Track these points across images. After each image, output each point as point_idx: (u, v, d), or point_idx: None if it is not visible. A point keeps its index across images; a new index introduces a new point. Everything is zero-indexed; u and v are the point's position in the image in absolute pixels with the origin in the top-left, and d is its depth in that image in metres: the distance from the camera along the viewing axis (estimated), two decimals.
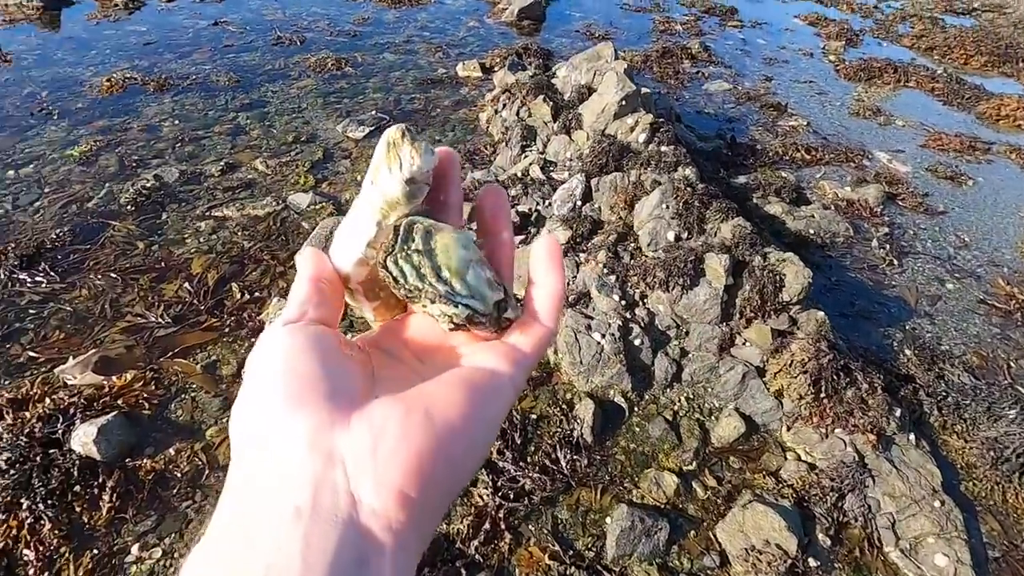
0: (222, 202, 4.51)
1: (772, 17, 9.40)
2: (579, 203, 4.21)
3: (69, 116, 5.50)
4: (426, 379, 0.43)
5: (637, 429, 3.05)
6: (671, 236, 3.68)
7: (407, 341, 0.50)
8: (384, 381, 0.44)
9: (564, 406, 3.09)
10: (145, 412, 2.99)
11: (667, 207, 3.74)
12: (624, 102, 4.59)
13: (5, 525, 2.47)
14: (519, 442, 2.92)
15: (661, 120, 4.59)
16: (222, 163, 4.89)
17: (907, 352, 3.51)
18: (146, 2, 8.21)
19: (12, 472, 2.59)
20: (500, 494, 2.70)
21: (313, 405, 0.38)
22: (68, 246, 3.97)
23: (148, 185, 4.56)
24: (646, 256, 3.64)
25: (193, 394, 3.11)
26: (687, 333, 3.34)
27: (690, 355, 3.29)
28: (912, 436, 2.89)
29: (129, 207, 4.36)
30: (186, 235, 4.18)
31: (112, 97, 5.85)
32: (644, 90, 4.84)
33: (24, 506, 2.53)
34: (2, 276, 3.69)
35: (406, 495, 0.36)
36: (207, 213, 4.38)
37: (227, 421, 3.00)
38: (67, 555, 2.45)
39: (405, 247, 0.46)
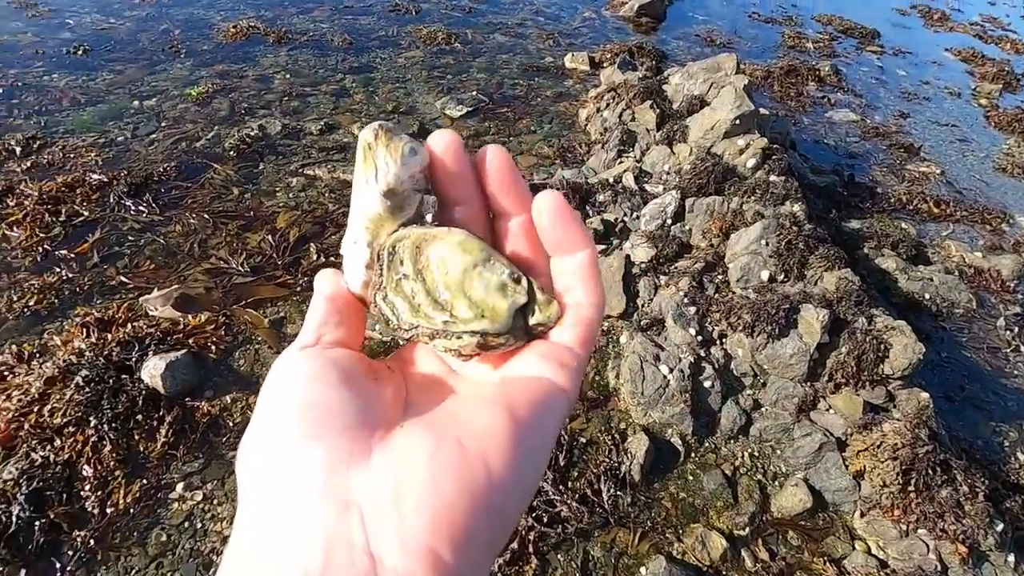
0: (315, 161, 4.60)
1: (919, 47, 8.50)
2: (669, 221, 3.96)
3: (194, 57, 5.80)
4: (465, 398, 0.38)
5: (690, 477, 2.83)
6: (765, 276, 3.37)
7: (442, 355, 0.44)
8: (418, 405, 0.38)
9: (616, 436, 2.92)
10: (211, 355, 3.10)
11: (767, 244, 3.43)
12: (738, 121, 4.26)
13: (73, 439, 2.63)
14: (562, 464, 2.79)
15: (775, 147, 4.23)
16: (322, 123, 4.99)
17: (1021, 457, 3.05)
18: None
19: (87, 390, 2.75)
20: (534, 515, 2.58)
21: (329, 438, 0.33)
22: (172, 181, 4.19)
23: (252, 134, 4.73)
24: (733, 293, 3.37)
25: (257, 346, 3.18)
26: (764, 385, 3.06)
27: (763, 409, 3.01)
28: (1012, 558, 2.51)
29: (231, 152, 4.53)
30: (277, 188, 4.30)
31: (235, 44, 6.12)
32: (762, 111, 4.47)
33: (91, 424, 2.68)
34: (112, 200, 3.94)
35: (437, 555, 0.29)
36: (300, 170, 4.49)
37: None
38: (120, 479, 2.57)
39: (393, 275, 0.40)
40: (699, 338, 3.15)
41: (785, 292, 3.25)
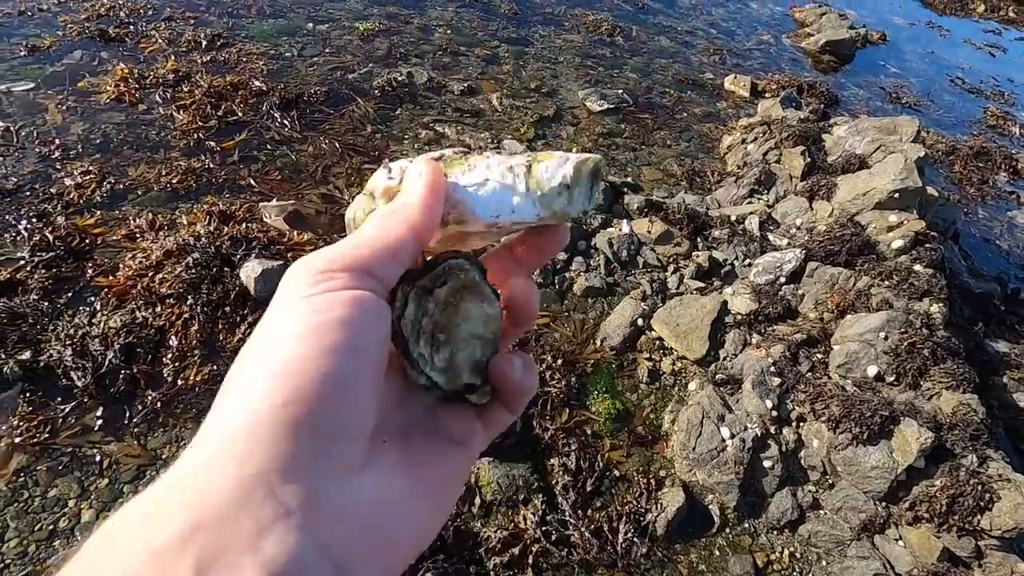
0: (448, 120, 4.70)
1: None
2: (783, 280, 3.65)
3: None
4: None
5: (717, 552, 2.63)
6: (872, 372, 3.02)
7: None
8: (391, 418, 0.41)
9: (652, 481, 2.77)
10: None
11: (886, 337, 3.05)
12: (897, 195, 3.79)
13: (171, 310, 2.92)
14: (588, 489, 2.70)
15: (932, 235, 3.73)
16: (466, 84, 5.07)
17: None
18: None
19: (193, 271, 3.04)
20: (543, 528, 2.53)
21: (334, 443, 0.34)
22: (318, 105, 4.46)
23: (399, 79, 4.91)
24: (829, 378, 3.05)
25: None
26: (831, 487, 2.76)
27: (822, 513, 2.72)
28: None
29: (376, 92, 4.74)
30: (406, 136, 4.46)
31: None
32: (930, 191, 3.95)
33: (188, 302, 2.96)
34: (264, 108, 4.27)
35: None
36: (431, 124, 4.61)
37: None
38: (196, 358, 2.83)
39: (428, 285, 0.42)
40: (774, 413, 2.89)
41: (889, 397, 2.89)
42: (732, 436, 2.80)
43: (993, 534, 2.41)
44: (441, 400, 0.44)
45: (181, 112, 4.07)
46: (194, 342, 2.86)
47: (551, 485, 2.69)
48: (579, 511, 2.61)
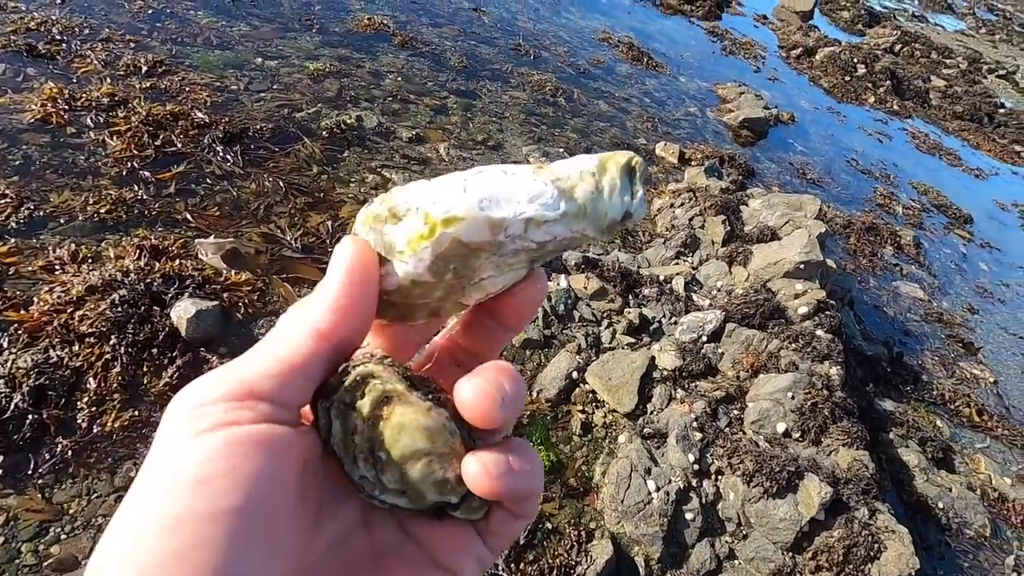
0: (395, 166, 4.79)
1: (1010, 247, 8.31)
2: (704, 339, 3.94)
3: (324, 35, 6.18)
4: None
5: None
6: (781, 428, 3.30)
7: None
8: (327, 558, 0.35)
9: (583, 533, 2.86)
10: (238, 314, 3.21)
11: (792, 397, 3.37)
12: (803, 266, 4.24)
13: (91, 351, 2.75)
14: (521, 543, 2.75)
15: (831, 302, 4.18)
16: (414, 132, 5.21)
17: None
18: None
19: (119, 309, 2.89)
20: None
21: None
22: (263, 141, 4.43)
23: (348, 122, 4.97)
24: (744, 433, 3.30)
25: None
26: (746, 537, 2.97)
27: (737, 563, 2.91)
28: None
29: (324, 133, 4.77)
30: (352, 179, 4.49)
31: (363, 35, 6.49)
32: (830, 263, 4.44)
33: (111, 341, 2.80)
34: (206, 141, 4.18)
35: None
36: (379, 169, 4.68)
37: None
38: (116, 403, 2.67)
39: (347, 399, 0.36)
40: (696, 467, 3.09)
41: (795, 453, 3.17)
42: (657, 489, 2.96)
43: None
44: (417, 514, 0.37)
45: (115, 138, 3.91)
46: (115, 385, 2.70)
47: None
48: (511, 565, 2.65)
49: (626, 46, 9.15)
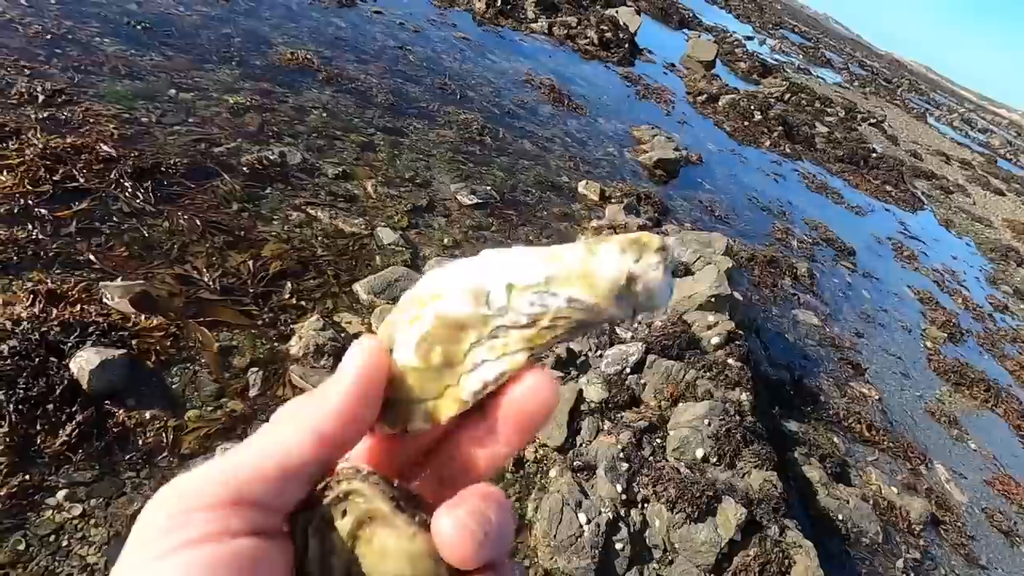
0: (321, 203, 4.72)
1: (887, 275, 9.38)
2: (628, 371, 4.13)
3: (244, 67, 6.04)
4: None
5: None
6: (700, 454, 3.51)
7: None
8: None
9: None
10: (149, 362, 3.01)
11: (709, 423, 3.60)
12: (713, 299, 4.58)
13: None
14: None
15: (740, 332, 4.53)
16: (340, 169, 5.17)
17: None
18: (358, 4, 9.15)
19: (8, 362, 2.63)
20: None
21: None
22: (177, 177, 4.23)
23: (271, 158, 4.86)
24: (667, 461, 3.48)
25: (197, 368, 3.11)
26: (671, 563, 3.10)
27: None
28: None
29: (245, 169, 4.63)
30: (275, 217, 4.38)
31: (286, 69, 6.41)
32: (736, 296, 4.82)
33: None
34: (112, 176, 3.94)
35: None
36: (303, 206, 4.59)
37: (210, 413, 2.99)
38: (1, 467, 2.40)
39: (327, 514, 0.33)
40: (623, 496, 3.21)
41: (713, 477, 3.37)
42: (588, 521, 3.04)
43: None
44: None
45: (4, 173, 3.60)
46: (1, 447, 2.44)
47: None
48: None
49: (548, 88, 9.61)
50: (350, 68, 7.14)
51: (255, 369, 3.23)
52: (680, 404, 3.82)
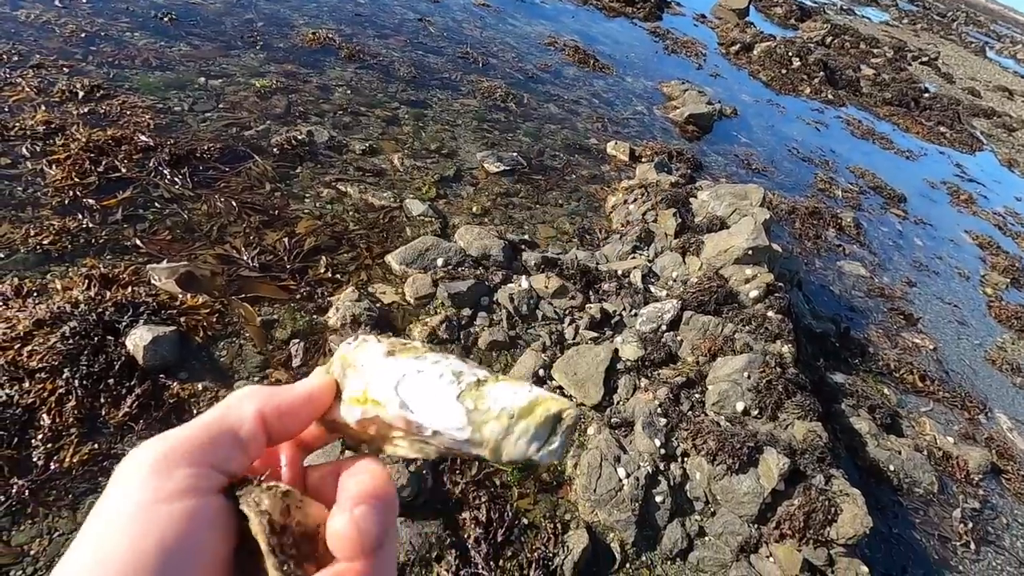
0: (350, 179, 4.79)
1: (941, 222, 8.86)
2: (664, 328, 4.08)
3: (268, 51, 6.11)
4: None
5: None
6: (740, 407, 3.46)
7: None
8: None
9: (559, 525, 2.93)
10: (197, 338, 3.16)
11: (748, 376, 3.53)
12: (751, 252, 4.44)
13: (42, 386, 2.67)
14: (499, 540, 2.80)
15: (779, 284, 4.39)
16: (367, 144, 5.21)
17: None
18: None
19: (71, 341, 2.81)
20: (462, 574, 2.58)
21: None
22: (212, 162, 4.36)
23: (299, 137, 4.94)
24: (706, 415, 3.44)
25: (242, 342, 3.25)
26: (714, 515, 3.09)
27: (707, 539, 3.03)
28: None
29: (275, 150, 4.73)
30: (307, 195, 4.47)
31: (309, 49, 6.45)
32: (776, 247, 4.66)
33: (63, 375, 2.72)
34: (151, 165, 4.09)
35: None
36: (333, 183, 4.67)
37: (257, 383, 3.13)
38: (73, 437, 2.59)
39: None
40: (662, 451, 3.21)
41: (754, 429, 3.33)
42: (627, 475, 3.06)
43: (840, 543, 2.84)
44: None
45: (54, 167, 3.79)
46: (71, 420, 2.62)
47: (463, 539, 2.76)
48: (491, 562, 2.69)
49: (572, 49, 9.35)
50: (371, 43, 7.13)
51: (296, 340, 3.34)
52: (718, 359, 3.76)
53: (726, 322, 4.00)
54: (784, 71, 12.79)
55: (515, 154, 5.92)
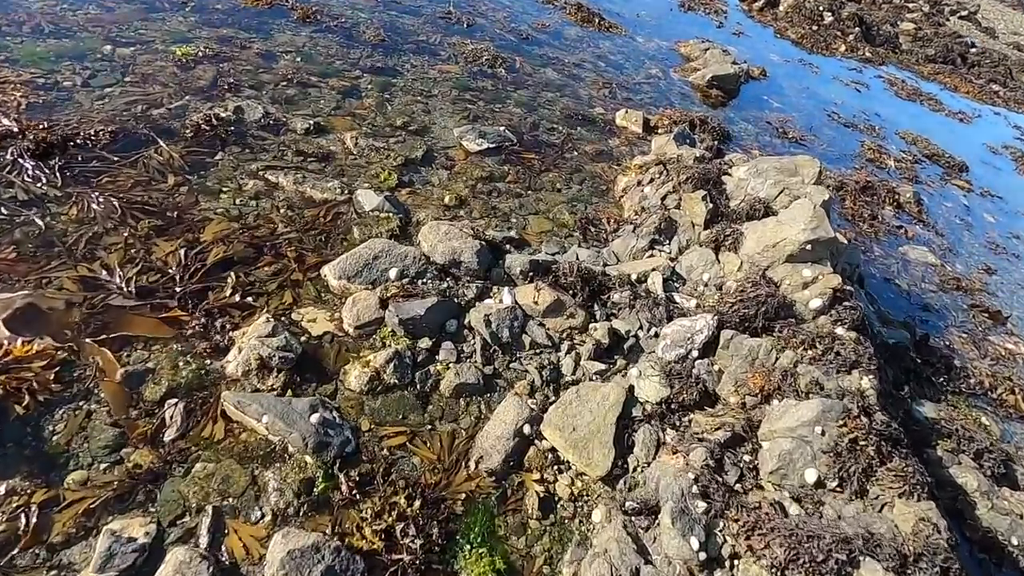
0: (286, 167, 3.75)
1: (1011, 193, 7.58)
2: (696, 354, 3.02)
3: (202, 13, 5.06)
4: None
5: None
6: (811, 477, 2.41)
7: None
8: None
9: None
10: (19, 407, 2.18)
11: (822, 432, 2.47)
12: (809, 247, 3.34)
13: None
14: None
15: (848, 288, 3.29)
16: (313, 121, 4.16)
17: None
18: None
19: None
20: None
21: None
22: (97, 150, 3.35)
23: (224, 115, 3.90)
24: (763, 490, 2.40)
25: (92, 407, 2.27)
26: None
27: None
28: None
29: (189, 132, 3.70)
30: (225, 189, 3.45)
31: (254, 10, 5.38)
32: (840, 238, 3.55)
33: None
34: (8, 157, 3.10)
35: None
36: (261, 172, 3.64)
37: (102, 473, 2.15)
38: None
39: None
40: (702, 554, 2.17)
41: (837, 512, 2.28)
42: None
43: None
44: None
45: None
46: None
47: None
48: None
49: (574, 7, 8.14)
50: (332, 3, 6.03)
51: (174, 401, 2.35)
52: (775, 402, 2.70)
53: (782, 346, 2.93)
54: (815, 28, 11.40)
55: (502, 128, 4.82)
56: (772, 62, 9.12)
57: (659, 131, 5.65)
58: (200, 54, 4.46)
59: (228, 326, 2.68)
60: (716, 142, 5.62)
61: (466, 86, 5.42)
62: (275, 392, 2.49)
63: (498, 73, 5.85)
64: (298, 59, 4.91)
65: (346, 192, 3.69)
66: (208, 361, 2.54)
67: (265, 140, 3.92)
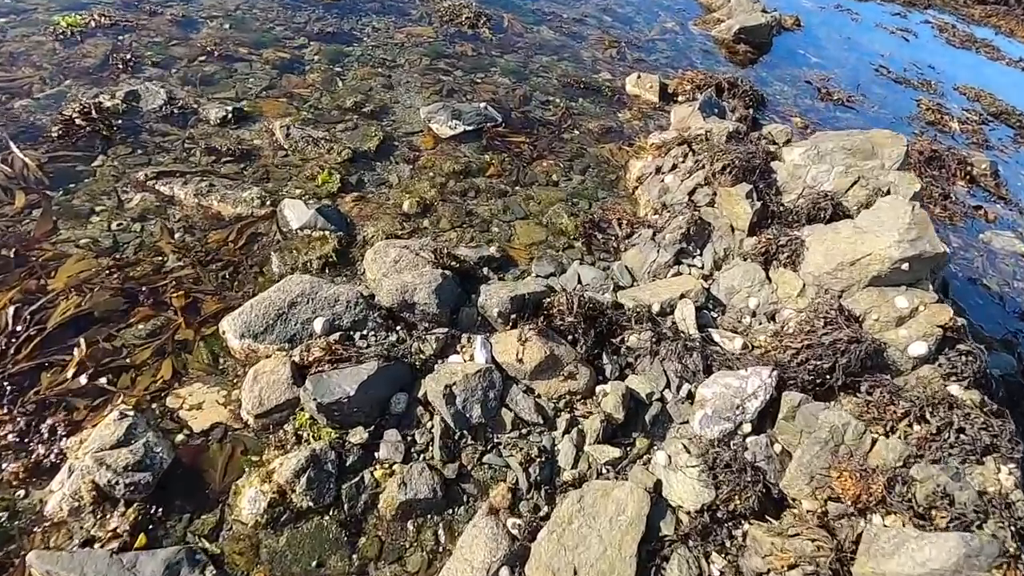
0: (187, 171, 2.83)
1: None
2: (747, 427, 2.12)
3: None
4: None
5: None
6: None
7: None
8: None
9: None
10: None
11: (973, 566, 1.57)
12: (905, 266, 2.38)
13: None
14: None
15: (962, 324, 2.34)
16: (232, 107, 3.21)
17: None
18: None
19: None
20: None
21: None
22: None
23: (109, 105, 2.97)
24: None
25: None
26: None
27: None
28: None
29: (58, 130, 2.78)
30: (99, 208, 2.55)
31: None
32: (943, 249, 2.57)
33: None
34: None
35: None
36: (153, 181, 2.72)
37: None
38: None
39: None
40: None
41: None
42: None
43: None
44: None
45: None
46: None
47: None
48: None
49: None
50: None
51: None
52: (877, 520, 1.80)
53: (875, 416, 2.01)
54: None
55: (484, 105, 3.83)
56: (806, 9, 7.90)
57: (679, 99, 4.61)
58: (91, 25, 3.51)
59: (60, 430, 1.82)
60: (750, 110, 4.57)
61: (440, 52, 4.40)
62: (118, 541, 1.63)
63: (481, 34, 4.80)
64: (226, 26, 3.93)
65: (268, 204, 2.77)
66: (20, 493, 1.69)
67: (166, 136, 2.99)
